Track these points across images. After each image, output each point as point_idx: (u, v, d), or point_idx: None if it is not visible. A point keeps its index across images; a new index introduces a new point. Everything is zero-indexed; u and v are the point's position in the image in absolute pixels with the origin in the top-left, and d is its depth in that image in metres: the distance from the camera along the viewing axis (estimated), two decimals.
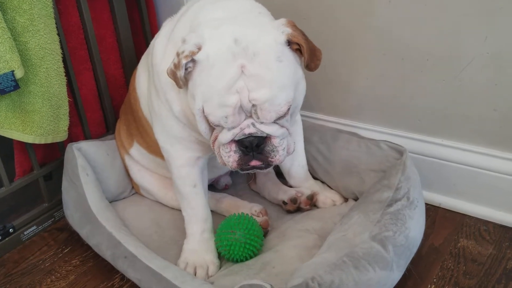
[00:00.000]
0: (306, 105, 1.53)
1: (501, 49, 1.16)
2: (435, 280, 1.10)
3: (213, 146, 1.00)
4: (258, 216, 1.25)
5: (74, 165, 1.27)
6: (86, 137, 1.49)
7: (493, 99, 1.21)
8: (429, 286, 1.08)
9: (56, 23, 1.23)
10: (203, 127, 0.98)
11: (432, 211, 1.34)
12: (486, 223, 1.28)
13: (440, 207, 1.36)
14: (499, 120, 1.22)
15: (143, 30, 1.62)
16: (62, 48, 1.27)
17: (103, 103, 1.52)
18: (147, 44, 1.63)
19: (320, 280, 0.85)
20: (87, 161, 1.32)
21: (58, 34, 1.24)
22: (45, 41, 1.17)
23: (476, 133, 1.27)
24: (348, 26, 1.36)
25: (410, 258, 1.03)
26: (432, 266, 1.14)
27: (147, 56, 1.20)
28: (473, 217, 1.30)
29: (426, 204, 1.32)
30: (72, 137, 1.44)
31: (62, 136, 1.31)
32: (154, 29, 1.65)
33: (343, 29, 1.37)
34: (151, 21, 1.64)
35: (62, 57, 1.26)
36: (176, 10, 1.62)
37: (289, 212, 1.32)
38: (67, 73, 1.32)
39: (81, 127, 1.47)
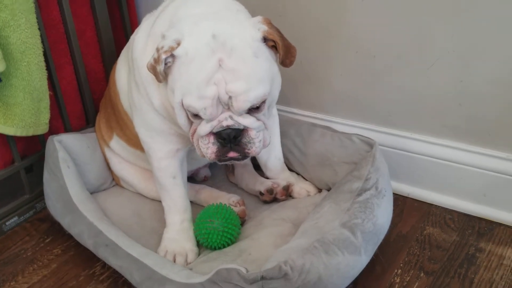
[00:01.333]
0: (283, 100, 1.59)
1: (466, 47, 1.22)
2: (401, 265, 1.17)
3: (192, 138, 1.05)
4: (235, 206, 1.30)
5: (55, 158, 1.30)
6: (67, 130, 1.51)
7: (459, 95, 1.28)
8: (396, 271, 1.15)
9: (36, 18, 1.25)
10: (182, 120, 1.03)
11: (401, 200, 1.41)
12: (451, 212, 1.35)
13: (408, 197, 1.43)
14: (464, 115, 1.29)
15: (122, 24, 1.65)
16: (42, 42, 1.29)
17: (83, 96, 1.54)
18: (126, 38, 1.66)
19: (292, 264, 0.90)
20: (68, 153, 1.35)
21: (39, 29, 1.26)
22: (26, 36, 1.19)
23: (442, 127, 1.34)
24: (322, 24, 1.41)
25: (378, 244, 1.09)
26: (399, 252, 1.21)
27: (127, 51, 1.23)
28: (439, 206, 1.38)
29: (395, 194, 1.39)
30: (53, 130, 1.46)
31: (43, 129, 1.34)
32: (133, 23, 1.68)
33: (318, 27, 1.43)
34: (130, 15, 1.66)
35: (43, 51, 1.28)
36: (155, 4, 1.66)
37: (265, 202, 1.37)
38: (48, 67, 1.34)
39: (62, 120, 1.50)
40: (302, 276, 0.90)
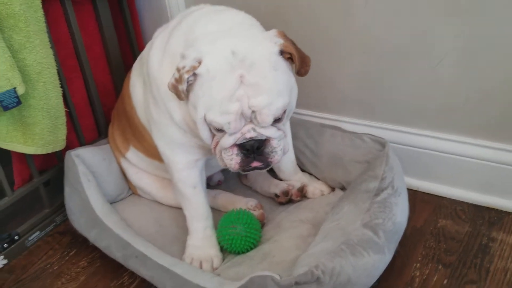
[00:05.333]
0: None
1: (471, 45, 1.26)
2: (420, 258, 1.22)
3: (214, 150, 1.08)
4: (254, 210, 1.33)
5: (75, 172, 1.32)
6: (81, 143, 1.53)
7: (465, 91, 1.32)
8: (415, 265, 1.20)
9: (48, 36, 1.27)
10: (205, 134, 1.06)
11: (412, 195, 1.44)
12: (461, 203, 1.40)
13: (418, 191, 1.47)
14: (470, 110, 1.33)
15: (127, 35, 1.66)
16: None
17: (94, 109, 1.56)
18: (132, 49, 1.68)
19: (323, 268, 0.94)
20: (86, 166, 1.37)
21: (51, 48, 1.27)
22: (41, 56, 1.21)
23: (448, 122, 1.38)
24: (328, 27, 1.44)
25: (398, 241, 1.13)
26: (416, 246, 1.26)
27: (141, 66, 1.25)
28: (449, 198, 1.42)
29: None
30: (67, 144, 1.48)
31: (61, 145, 1.36)
32: (138, 34, 1.70)
33: (324, 30, 1.45)
34: (134, 26, 1.68)
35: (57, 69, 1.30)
36: (158, 15, 1.67)
37: (281, 204, 1.41)
38: (60, 83, 1.36)
39: (75, 134, 1.52)
40: (333, 279, 0.94)
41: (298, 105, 1.61)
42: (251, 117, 1.00)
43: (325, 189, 1.42)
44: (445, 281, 1.14)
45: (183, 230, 1.30)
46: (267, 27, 1.13)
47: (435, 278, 1.15)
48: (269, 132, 1.03)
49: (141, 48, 1.66)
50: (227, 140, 1.03)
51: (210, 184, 1.54)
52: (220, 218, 1.26)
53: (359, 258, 0.99)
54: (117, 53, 1.60)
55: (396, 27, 1.34)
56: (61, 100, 1.32)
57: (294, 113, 1.60)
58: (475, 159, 1.37)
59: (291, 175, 1.44)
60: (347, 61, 1.46)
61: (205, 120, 1.02)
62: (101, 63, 1.57)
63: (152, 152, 1.32)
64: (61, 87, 1.34)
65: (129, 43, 1.67)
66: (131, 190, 1.52)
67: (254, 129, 1.01)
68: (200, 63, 0.99)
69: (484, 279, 1.14)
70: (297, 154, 1.46)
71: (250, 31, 1.06)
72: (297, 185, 1.41)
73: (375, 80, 1.44)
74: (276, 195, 1.41)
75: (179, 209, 1.35)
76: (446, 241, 1.26)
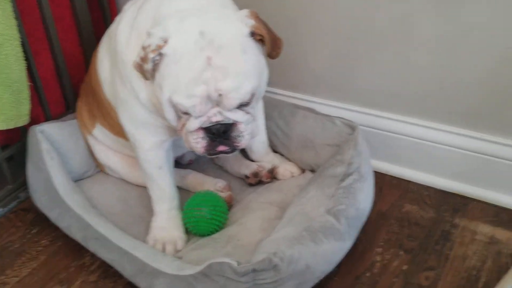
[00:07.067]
0: None
1: (447, 33, 1.25)
2: (382, 243, 1.23)
3: (180, 132, 1.05)
4: (222, 192, 1.32)
5: (38, 150, 1.29)
6: (47, 118, 1.49)
7: (440, 78, 1.31)
8: (376, 249, 1.21)
9: (12, 6, 1.20)
10: (170, 116, 1.03)
11: (380, 178, 1.45)
12: (427, 188, 1.41)
13: (387, 175, 1.48)
14: (443, 97, 1.33)
15: (99, 4, 1.60)
16: (19, 31, 1.25)
17: (62, 82, 1.51)
18: (104, 20, 1.62)
19: (282, 255, 0.94)
20: (51, 143, 1.33)
21: (16, 18, 1.21)
22: (2, 28, 1.15)
23: (421, 108, 1.38)
24: (304, 5, 1.41)
25: (360, 228, 1.14)
26: (379, 230, 1.27)
27: (109, 41, 1.21)
28: (416, 183, 1.43)
29: (375, 172, 1.43)
30: (33, 118, 1.43)
31: (24, 120, 1.32)
32: (111, 3, 1.63)
33: (299, 8, 1.42)
34: None
35: (21, 41, 1.24)
36: None
37: (251, 185, 1.40)
38: (26, 56, 1.31)
39: (41, 108, 1.47)
40: (291, 266, 0.94)
41: (273, 84, 1.61)
42: (217, 101, 0.98)
43: (295, 170, 1.41)
44: (404, 267, 1.16)
45: (149, 210, 1.28)
46: (240, 5, 1.09)
47: (395, 264, 1.17)
48: (236, 116, 1.00)
49: (114, 18, 1.60)
50: (193, 123, 1.00)
51: (181, 163, 1.52)
52: (187, 200, 1.25)
53: (318, 245, 0.99)
54: (88, 23, 1.54)
55: (375, 8, 1.31)
56: (24, 73, 1.27)
57: (269, 92, 1.60)
58: (445, 146, 1.38)
59: (262, 156, 1.43)
60: (322, 42, 1.44)
61: (171, 102, 0.99)
62: (70, 34, 1.51)
63: (118, 130, 1.29)
64: (26, 59, 1.29)
65: (101, 11, 1.61)
66: (98, 167, 1.49)
67: (220, 113, 0.99)
68: (166, 42, 0.96)
69: (443, 266, 1.16)
70: (269, 135, 1.44)
71: (221, 10, 1.02)
72: (268, 166, 1.40)
73: (349, 61, 1.43)
74: (246, 176, 1.40)
75: (146, 187, 1.33)
76: (410, 226, 1.28)
